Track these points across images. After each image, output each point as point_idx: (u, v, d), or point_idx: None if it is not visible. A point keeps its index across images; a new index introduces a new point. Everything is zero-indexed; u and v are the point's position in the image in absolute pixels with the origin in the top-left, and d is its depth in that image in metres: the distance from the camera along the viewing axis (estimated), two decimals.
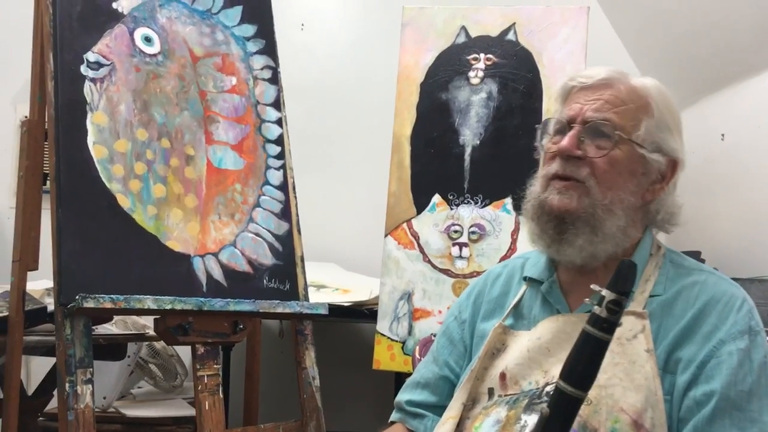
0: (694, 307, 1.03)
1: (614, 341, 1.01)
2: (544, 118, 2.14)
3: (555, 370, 1.03)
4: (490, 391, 1.10)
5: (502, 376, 1.09)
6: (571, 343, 1.00)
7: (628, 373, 0.99)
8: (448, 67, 2.27)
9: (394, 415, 1.26)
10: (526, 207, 1.14)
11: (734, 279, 1.11)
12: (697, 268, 1.11)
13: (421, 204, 2.21)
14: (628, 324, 1.02)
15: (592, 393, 0.97)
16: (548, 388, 1.02)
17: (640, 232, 1.12)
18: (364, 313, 2.38)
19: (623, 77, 1.12)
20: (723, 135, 2.73)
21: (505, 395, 1.07)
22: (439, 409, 1.19)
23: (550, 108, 2.13)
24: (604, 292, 0.86)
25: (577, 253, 1.07)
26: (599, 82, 1.11)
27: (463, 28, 2.29)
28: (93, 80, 1.58)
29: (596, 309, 0.86)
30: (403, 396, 1.26)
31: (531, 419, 1.00)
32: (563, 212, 1.07)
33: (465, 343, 1.23)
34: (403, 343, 2.13)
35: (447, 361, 1.24)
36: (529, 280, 1.19)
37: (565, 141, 1.09)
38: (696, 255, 2.40)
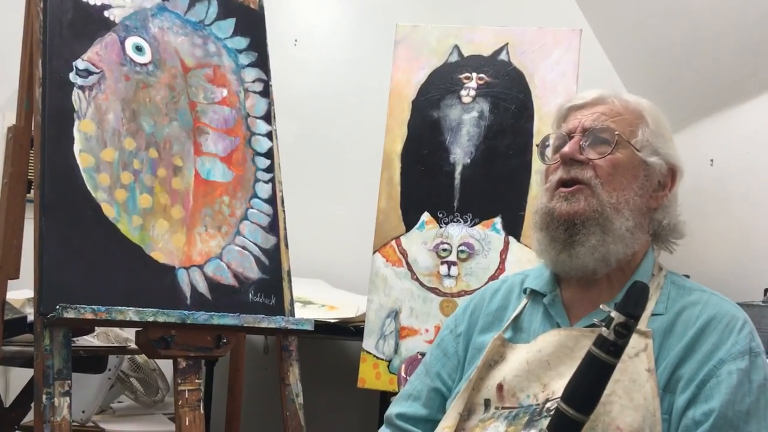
0: (695, 326, 1.03)
1: None
2: (535, 138, 2.15)
3: (554, 385, 1.02)
4: (487, 403, 1.09)
5: (500, 387, 1.08)
6: (572, 358, 1.01)
7: (627, 391, 0.98)
8: (440, 86, 2.27)
9: (383, 430, 1.24)
10: (535, 219, 1.16)
11: None
12: (699, 288, 1.11)
13: (410, 221, 2.20)
14: (631, 341, 1.00)
15: None
16: (549, 405, 1.00)
17: (648, 237, 1.13)
18: (351, 330, 2.35)
19: (616, 94, 1.17)
20: (712, 160, 2.74)
21: (503, 408, 1.06)
22: (429, 423, 1.18)
23: (542, 128, 2.13)
24: (613, 313, 0.83)
25: (589, 254, 1.07)
26: (594, 100, 1.16)
27: (456, 47, 2.29)
28: (81, 88, 1.57)
29: (604, 331, 0.83)
30: (393, 409, 1.25)
31: None
32: (572, 215, 1.08)
33: (459, 356, 1.22)
34: (389, 361, 2.11)
35: (439, 373, 1.22)
36: (530, 293, 1.19)
37: (567, 147, 1.12)
38: None
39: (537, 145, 1.22)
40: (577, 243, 1.08)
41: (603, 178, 1.09)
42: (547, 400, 1.01)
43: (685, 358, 1.00)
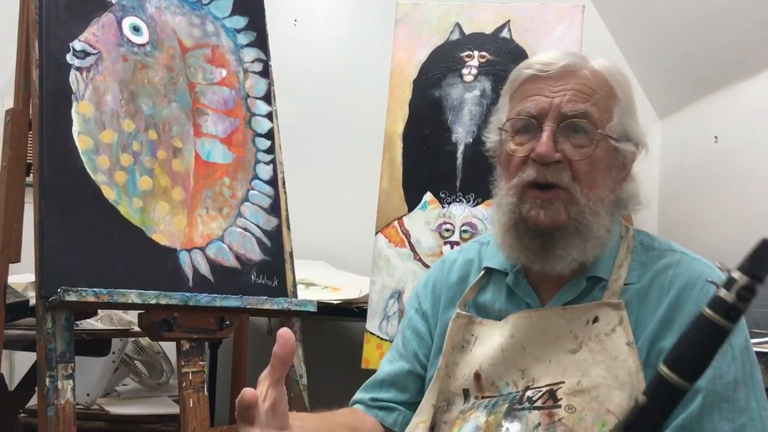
0: (669, 294, 0.98)
1: (593, 338, 0.96)
2: None
3: (533, 371, 0.99)
4: (466, 393, 1.04)
5: (477, 376, 1.03)
6: (547, 339, 0.96)
7: (610, 370, 0.94)
8: (441, 64, 2.24)
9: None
10: (502, 220, 1.03)
11: None
12: (669, 248, 1.04)
13: (412, 202, 2.19)
14: (604, 318, 0.96)
15: (576, 400, 0.93)
16: (529, 393, 0.97)
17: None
18: (354, 311, 2.35)
19: (584, 61, 1.02)
20: (716, 137, 2.72)
21: (482, 397, 1.02)
22: (410, 405, 1.11)
23: None
24: (736, 274, 0.73)
25: (567, 266, 0.99)
26: (561, 69, 1.00)
27: (458, 24, 2.26)
28: (79, 69, 1.55)
29: (722, 292, 0.73)
30: (363, 395, 1.16)
31: (513, 426, 0.95)
32: (552, 228, 0.98)
33: (432, 334, 1.15)
34: (393, 342, 2.10)
35: (417, 354, 1.15)
36: (489, 271, 1.11)
37: (543, 147, 0.98)
38: None
39: (499, 128, 1.07)
40: (554, 257, 0.99)
41: (581, 179, 0.98)
42: (527, 388, 0.98)
43: (663, 329, 0.96)
